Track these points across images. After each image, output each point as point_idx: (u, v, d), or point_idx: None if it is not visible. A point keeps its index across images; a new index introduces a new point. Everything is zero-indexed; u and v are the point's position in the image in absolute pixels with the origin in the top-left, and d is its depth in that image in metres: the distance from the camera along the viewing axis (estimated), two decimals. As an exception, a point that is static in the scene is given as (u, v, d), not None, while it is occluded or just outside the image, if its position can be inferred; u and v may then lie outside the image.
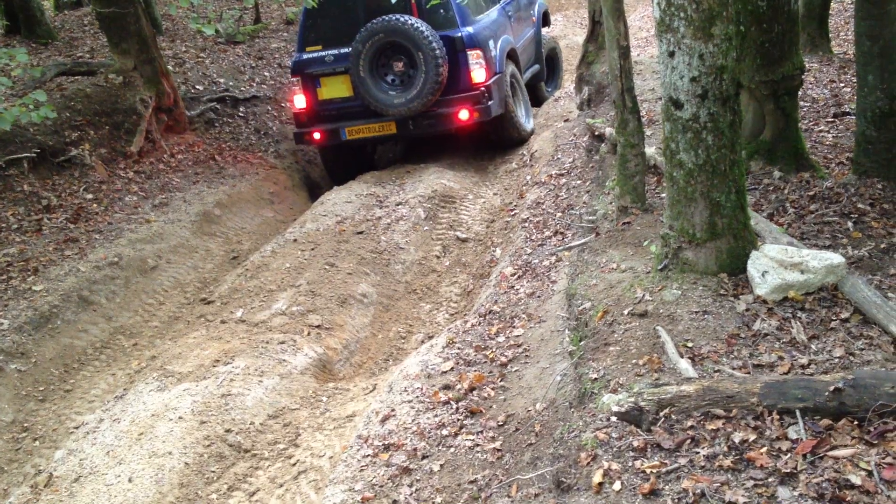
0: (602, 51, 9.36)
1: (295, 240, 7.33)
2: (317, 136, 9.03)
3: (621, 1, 5.41)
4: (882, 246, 4.59)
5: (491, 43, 9.12)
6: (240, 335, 5.81)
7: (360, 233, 7.41)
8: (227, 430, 4.66)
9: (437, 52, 8.43)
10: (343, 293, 6.43)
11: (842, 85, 8.51)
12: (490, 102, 8.84)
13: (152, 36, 9.46)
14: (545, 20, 11.87)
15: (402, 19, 8.32)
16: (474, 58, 8.75)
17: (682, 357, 3.58)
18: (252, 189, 8.99)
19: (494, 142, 9.76)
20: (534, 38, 11.22)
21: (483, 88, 8.79)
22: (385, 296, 6.66)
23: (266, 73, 11.72)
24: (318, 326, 5.98)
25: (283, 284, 6.54)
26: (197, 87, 10.48)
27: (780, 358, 3.54)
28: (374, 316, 6.42)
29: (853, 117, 7.16)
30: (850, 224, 4.93)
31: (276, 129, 10.52)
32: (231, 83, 10.93)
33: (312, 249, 7.10)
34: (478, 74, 8.79)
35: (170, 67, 10.00)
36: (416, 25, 8.37)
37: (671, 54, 3.97)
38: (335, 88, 8.98)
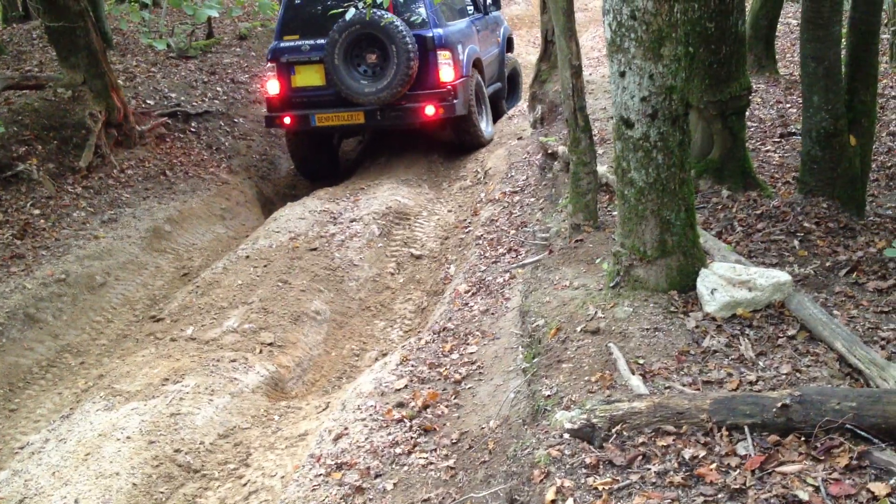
0: (555, 70, 9.46)
1: (247, 256, 7.26)
2: (287, 120, 9.37)
3: (573, 21, 5.47)
4: (827, 264, 4.69)
5: (460, 47, 9.54)
6: (190, 353, 5.73)
7: (314, 249, 7.37)
8: (177, 450, 4.59)
9: (410, 47, 8.82)
10: (296, 310, 6.38)
11: (788, 105, 8.71)
12: (455, 101, 9.21)
13: (102, 50, 9.34)
14: (509, 45, 12.44)
15: (379, 13, 8.59)
16: (444, 57, 9.17)
17: (633, 374, 3.61)
18: (204, 205, 8.89)
19: (454, 144, 10.15)
20: (498, 57, 11.65)
21: (450, 87, 9.19)
22: (338, 313, 6.63)
23: (218, 89, 11.63)
24: (270, 344, 5.93)
25: (235, 301, 6.47)
26: (148, 101, 10.36)
27: (729, 374, 3.59)
28: (328, 333, 6.39)
29: (799, 137, 7.33)
30: (796, 242, 5.03)
31: (229, 145, 10.43)
32: (183, 98, 10.82)
33: (265, 266, 7.04)
34: (446, 73, 9.20)
35: (120, 82, 9.87)
36: (392, 20, 8.73)
37: (622, 74, 4.02)
38: (309, 77, 9.34)
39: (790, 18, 13.34)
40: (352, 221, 7.93)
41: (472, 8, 10.88)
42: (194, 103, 10.86)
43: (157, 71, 11.36)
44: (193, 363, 5.52)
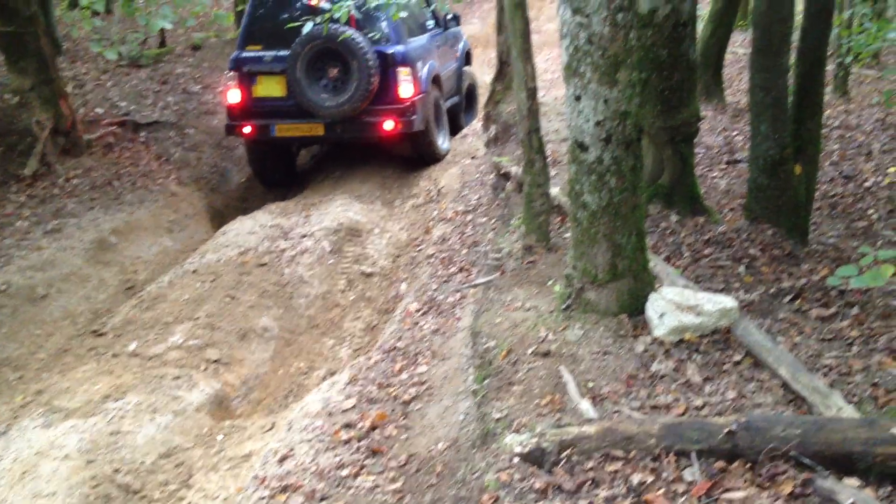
0: (509, 90, 9.53)
1: (195, 270, 7.15)
2: (247, 129, 9.47)
3: (530, 43, 5.51)
4: (771, 290, 4.76)
5: (420, 63, 9.70)
6: (132, 369, 5.61)
7: (263, 265, 7.29)
8: (116, 470, 4.48)
9: (371, 63, 8.98)
10: (243, 327, 6.30)
11: (734, 133, 8.87)
12: (414, 117, 9.39)
13: (52, 56, 9.16)
14: (468, 59, 12.65)
15: (341, 28, 8.69)
16: (404, 74, 9.31)
17: (583, 397, 3.62)
18: (151, 216, 8.74)
19: (408, 160, 10.29)
20: (456, 72, 11.87)
21: (409, 103, 9.36)
22: (287, 330, 6.56)
23: (170, 99, 11.48)
24: (215, 361, 5.83)
25: (181, 317, 6.36)
26: (97, 109, 10.18)
27: (677, 399, 3.62)
28: (275, 351, 6.31)
29: (745, 165, 7.47)
30: (741, 268, 5.10)
31: (179, 156, 10.29)
32: (133, 107, 10.66)
33: (213, 281, 6.94)
34: (405, 89, 9.34)
35: (69, 89, 9.69)
36: (353, 36, 8.87)
37: (577, 98, 4.06)
38: (270, 87, 9.44)
39: (737, 47, 13.62)
40: (303, 237, 7.87)
41: (432, 23, 11.07)
42: (144, 113, 10.71)
43: (108, 79, 11.19)
44: (136, 380, 5.41)
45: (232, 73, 9.58)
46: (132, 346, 5.95)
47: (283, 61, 9.19)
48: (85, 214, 8.19)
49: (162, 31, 12.43)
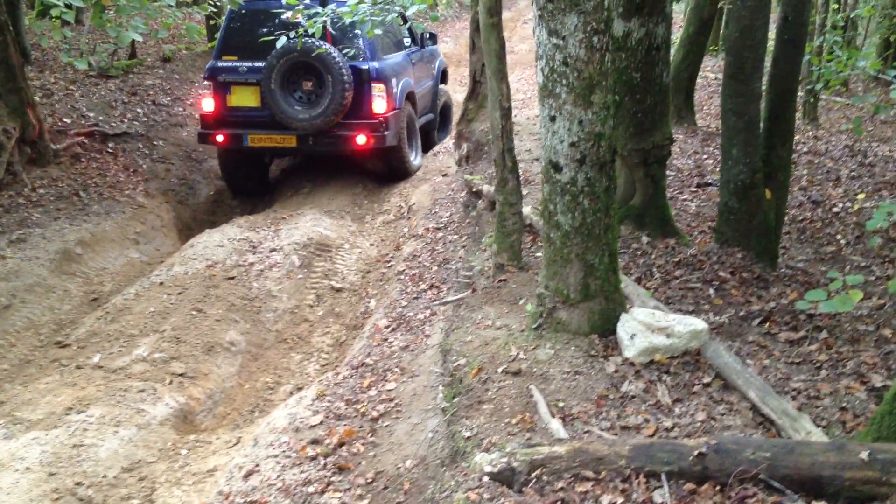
0: (481, 109, 9.57)
1: (161, 283, 7.06)
2: (220, 138, 9.53)
3: (505, 63, 5.53)
4: (741, 313, 4.80)
5: (394, 80, 9.80)
6: (96, 382, 5.51)
7: (231, 278, 7.21)
8: (78, 483, 4.38)
9: (346, 78, 9.06)
10: (210, 340, 6.22)
11: (704, 156, 8.96)
12: (387, 132, 9.47)
13: (20, 65, 9.03)
14: (443, 77, 12.83)
15: (317, 43, 8.77)
16: (378, 90, 9.41)
17: (553, 417, 3.61)
18: (117, 228, 8.62)
19: (380, 176, 10.37)
20: (431, 90, 12.03)
21: (382, 118, 9.44)
22: (254, 344, 6.48)
23: (139, 110, 11.37)
24: (181, 375, 5.74)
25: (146, 329, 6.26)
26: (65, 119, 10.06)
27: (647, 420, 3.63)
28: (242, 365, 6.23)
29: (715, 188, 7.54)
30: (711, 291, 5.14)
31: (147, 168, 10.18)
32: (101, 118, 10.54)
33: (179, 294, 6.85)
34: (379, 105, 9.42)
35: (37, 98, 9.56)
36: (329, 51, 8.95)
37: (552, 119, 4.07)
38: (244, 97, 9.53)
39: (708, 72, 13.80)
40: (272, 251, 7.81)
41: (409, 41, 11.21)
42: (113, 124, 10.59)
43: (76, 89, 11.05)
44: (99, 392, 5.31)
45: (207, 83, 9.65)
46: (96, 359, 5.85)
47: (259, 72, 9.27)
48: (50, 225, 8.06)
49: (132, 42, 12.34)
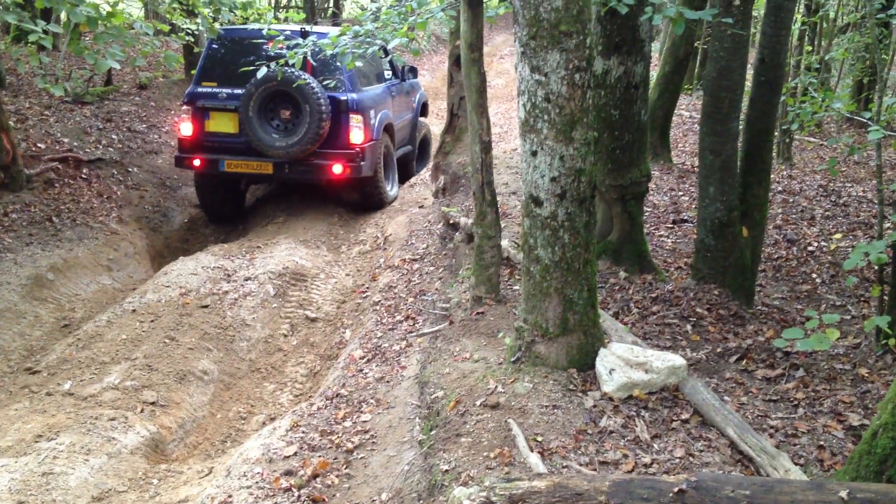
0: (458, 142, 9.62)
1: (134, 310, 6.97)
2: (197, 162, 9.63)
3: (485, 97, 5.56)
4: (718, 350, 4.82)
5: (372, 112, 9.92)
6: (66, 409, 5.42)
7: (205, 307, 7.14)
8: (46, 513, 4.30)
9: (323, 108, 9.16)
10: (182, 369, 6.14)
11: (680, 193, 9.04)
12: (363, 163, 9.57)
13: (-6, 89, 8.98)
14: (423, 111, 13.03)
15: (296, 73, 8.83)
16: (355, 121, 9.51)
17: (532, 451, 3.59)
18: (90, 254, 8.53)
19: (356, 206, 10.46)
20: (411, 122, 12.20)
21: (359, 149, 9.54)
22: (227, 373, 6.41)
23: (114, 136, 11.30)
24: (152, 403, 5.67)
25: (118, 357, 6.18)
26: (39, 145, 9.96)
27: (625, 455, 3.62)
28: (214, 394, 6.15)
29: (691, 225, 7.61)
30: (689, 327, 5.16)
31: (121, 194, 10.10)
32: (76, 144, 10.46)
33: (152, 321, 6.77)
34: (356, 136, 9.53)
35: (11, 123, 9.47)
36: (308, 81, 8.98)
37: (534, 153, 4.09)
38: (222, 123, 9.63)
39: (683, 110, 13.98)
40: (246, 280, 7.75)
41: (390, 74, 11.35)
42: (87, 150, 10.51)
43: (51, 114, 10.97)
44: (69, 420, 5.22)
45: (186, 107, 9.76)
46: (67, 386, 5.76)
47: (237, 99, 9.37)
48: (22, 250, 7.96)
49: (109, 68, 12.29)
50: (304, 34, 9.13)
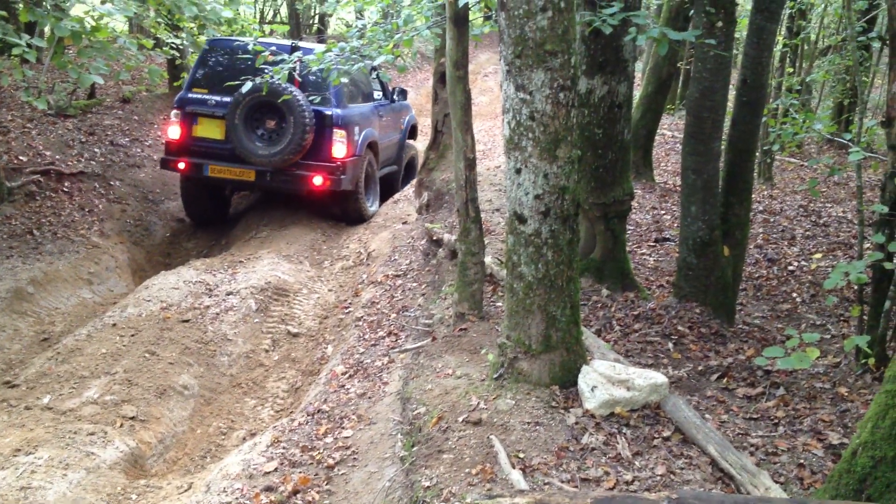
0: (442, 159, 9.64)
1: (114, 324, 6.92)
2: (181, 165, 9.87)
3: (470, 115, 5.58)
4: (699, 368, 4.84)
5: (356, 129, 10.13)
6: (45, 423, 5.37)
7: (186, 321, 7.10)
8: (23, 528, 4.25)
9: (307, 121, 9.36)
10: (162, 384, 6.10)
11: (662, 212, 9.09)
12: (343, 176, 9.77)
13: (-24, 100, 8.92)
14: (412, 133, 13.27)
15: (283, 85, 8.97)
16: (339, 135, 9.73)
17: (514, 468, 3.59)
18: (71, 268, 8.47)
19: (338, 220, 10.62)
20: (397, 143, 12.43)
21: (340, 163, 9.75)
22: (207, 388, 6.37)
23: (96, 150, 11.24)
24: (132, 418, 5.62)
25: (98, 371, 6.13)
26: (20, 157, 9.90)
27: (606, 473, 3.62)
28: (194, 409, 6.11)
29: (673, 243, 7.65)
30: (670, 345, 5.18)
31: (103, 208, 10.05)
32: (58, 157, 10.40)
33: (132, 335, 6.72)
34: (338, 150, 9.73)
35: (-8, 134, 9.44)
36: (294, 94, 9.26)
37: (518, 171, 4.11)
38: (209, 129, 9.86)
39: (665, 130, 14.08)
40: (228, 294, 7.71)
41: (379, 94, 11.61)
42: (69, 163, 10.45)
43: (33, 127, 10.91)
44: (48, 434, 5.17)
45: (176, 111, 9.98)
46: (46, 400, 5.71)
47: (226, 107, 9.58)
48: (2, 263, 7.90)
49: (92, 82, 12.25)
50: (294, 49, 9.32)
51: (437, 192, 9.41)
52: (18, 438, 5.11)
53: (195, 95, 9.98)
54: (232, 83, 8.13)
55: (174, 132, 9.93)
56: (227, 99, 9.52)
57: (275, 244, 9.55)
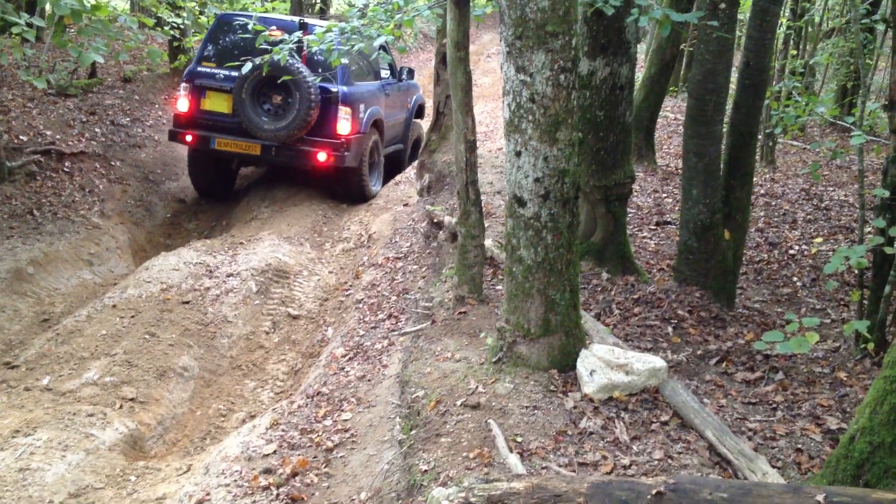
0: (444, 140, 9.61)
1: (114, 305, 6.92)
2: (189, 138, 10.05)
3: (471, 97, 5.55)
4: (699, 352, 4.83)
5: (362, 106, 10.24)
6: (44, 404, 5.38)
7: (186, 303, 7.09)
8: (22, 509, 4.26)
9: (313, 97, 9.49)
10: (162, 365, 6.10)
11: (664, 195, 9.06)
12: (347, 153, 9.89)
13: (-24, 80, 8.88)
14: (419, 112, 13.35)
15: (290, 61, 9.06)
16: (344, 112, 9.85)
17: (511, 452, 3.59)
18: (71, 248, 8.46)
19: (341, 199, 10.72)
20: (404, 122, 12.54)
21: (344, 140, 9.86)
22: (207, 370, 6.38)
23: (97, 130, 11.21)
24: (131, 399, 5.63)
25: (97, 352, 6.13)
26: (21, 137, 9.87)
27: (604, 457, 3.62)
28: (194, 391, 6.12)
29: (674, 226, 7.62)
30: (669, 329, 5.17)
31: (103, 188, 10.03)
32: (58, 136, 10.36)
33: (132, 317, 6.72)
34: (343, 127, 9.86)
35: (-7, 114, 9.41)
36: (301, 70, 9.41)
37: (518, 154, 4.09)
38: (217, 103, 10.02)
39: (668, 112, 14.01)
40: (228, 276, 7.70)
41: (387, 73, 11.68)
42: (70, 143, 10.42)
43: (34, 107, 10.87)
44: (47, 415, 5.17)
45: (185, 84, 10.14)
46: (45, 381, 5.71)
47: (233, 81, 9.72)
48: (2, 243, 7.89)
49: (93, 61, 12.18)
50: (303, 24, 9.48)
51: (438, 174, 9.39)
52: (17, 420, 5.12)
53: (204, 69, 10.11)
54: (233, 62, 8.14)
55: (183, 105, 10.09)
56: (235, 74, 9.59)
57: (275, 226, 9.54)
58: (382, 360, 5.52)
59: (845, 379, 4.56)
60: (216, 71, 10.04)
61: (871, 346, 4.73)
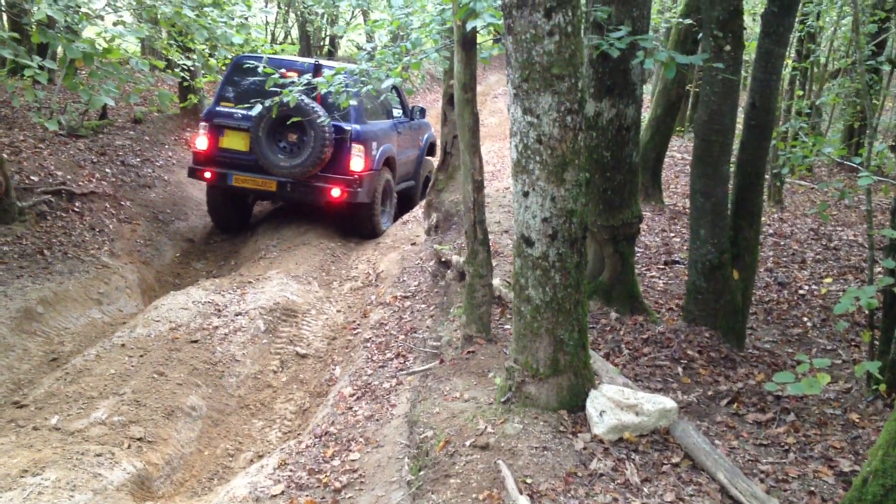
0: (451, 180, 9.66)
1: (123, 344, 6.93)
2: (208, 175, 10.45)
3: (478, 137, 5.59)
4: (709, 393, 4.80)
5: (374, 144, 10.63)
6: (53, 444, 5.37)
7: (195, 342, 7.10)
8: (28, 551, 4.24)
9: (327, 135, 9.88)
10: (170, 404, 6.09)
11: (672, 234, 9.06)
12: (360, 189, 10.27)
13: (-12, 121, 8.98)
14: (430, 150, 13.68)
15: (305, 101, 9.66)
16: (357, 150, 10.22)
17: (521, 494, 3.56)
18: (80, 287, 8.50)
19: (351, 228, 11.06)
20: (415, 159, 12.90)
21: (357, 176, 10.22)
22: (215, 409, 6.37)
23: (107, 170, 11.31)
24: (139, 439, 5.61)
25: (106, 392, 6.13)
26: (32, 177, 9.96)
27: (615, 499, 3.59)
28: (202, 430, 6.10)
29: (682, 266, 7.62)
30: (679, 369, 5.15)
31: (113, 228, 10.09)
32: (69, 177, 10.46)
33: (141, 356, 6.73)
34: (356, 164, 10.23)
35: (4, 155, 9.47)
36: (315, 109, 9.76)
37: (525, 194, 4.11)
38: (235, 141, 10.44)
39: (675, 152, 14.07)
40: (237, 315, 7.72)
41: (399, 112, 12.08)
42: (80, 183, 10.51)
43: (45, 147, 10.98)
44: (56, 455, 5.16)
45: (204, 123, 10.57)
46: (54, 420, 5.71)
47: (251, 120, 10.06)
48: (12, 283, 7.92)
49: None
50: (318, 67, 10.16)
51: (445, 213, 9.42)
52: (26, 459, 5.11)
53: (222, 109, 10.50)
54: (244, 104, 8.34)
55: (202, 143, 10.44)
56: (252, 113, 9.78)
57: (284, 264, 9.56)
58: (390, 400, 5.50)
59: (857, 420, 4.53)
60: (234, 110, 10.40)
61: (882, 387, 4.70)
